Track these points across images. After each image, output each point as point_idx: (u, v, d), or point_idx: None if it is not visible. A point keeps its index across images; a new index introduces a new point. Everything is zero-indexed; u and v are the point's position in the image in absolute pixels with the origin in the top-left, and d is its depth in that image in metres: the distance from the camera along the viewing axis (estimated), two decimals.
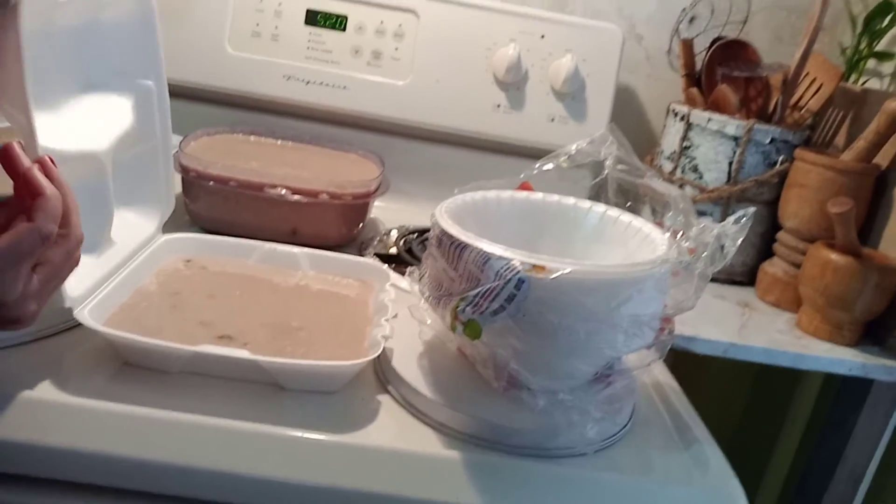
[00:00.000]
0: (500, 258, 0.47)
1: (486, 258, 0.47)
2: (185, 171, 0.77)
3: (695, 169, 0.89)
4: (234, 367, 0.52)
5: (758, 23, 1.02)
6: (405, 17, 0.94)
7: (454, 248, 0.51)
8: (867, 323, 0.77)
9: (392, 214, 0.89)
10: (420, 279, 0.56)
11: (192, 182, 0.76)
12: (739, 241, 0.50)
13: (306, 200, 0.76)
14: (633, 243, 0.59)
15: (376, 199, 0.82)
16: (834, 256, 0.75)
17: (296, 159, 0.86)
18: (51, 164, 0.44)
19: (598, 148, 0.62)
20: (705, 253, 0.49)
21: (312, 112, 0.96)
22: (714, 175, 0.87)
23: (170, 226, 0.69)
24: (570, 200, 0.63)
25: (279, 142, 0.91)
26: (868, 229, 0.81)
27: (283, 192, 0.75)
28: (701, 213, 0.88)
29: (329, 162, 0.88)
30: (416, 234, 0.86)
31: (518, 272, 0.46)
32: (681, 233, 0.52)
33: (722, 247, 0.50)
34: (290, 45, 0.94)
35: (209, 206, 0.78)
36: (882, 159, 0.80)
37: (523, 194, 0.63)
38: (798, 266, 0.81)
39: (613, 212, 0.61)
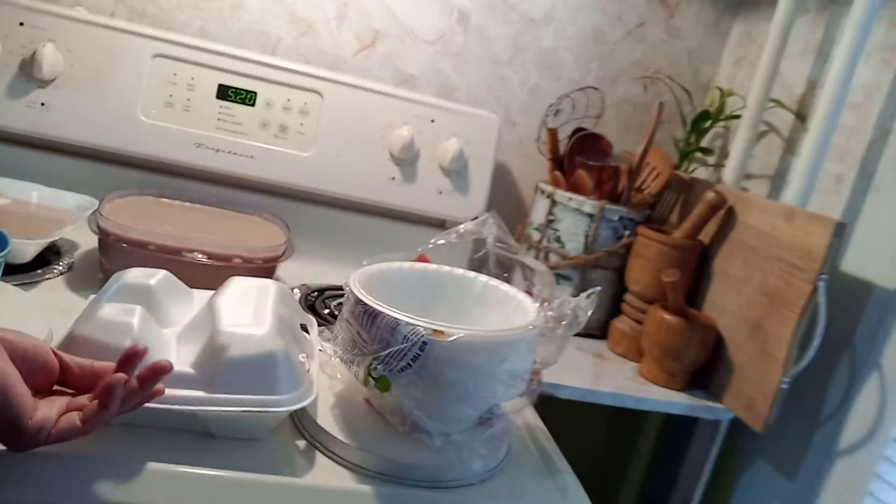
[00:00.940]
0: (408, 324, 0.58)
1: (396, 324, 0.58)
2: (103, 233, 0.82)
3: (558, 239, 1.04)
4: (171, 418, 0.59)
5: (610, 116, 1.22)
6: (310, 97, 1.05)
7: (367, 315, 0.61)
8: (693, 371, 0.95)
9: (293, 274, 0.98)
10: (334, 340, 0.66)
11: (111, 244, 0.82)
12: (590, 312, 0.64)
13: (220, 264, 0.84)
14: (510, 308, 0.72)
15: (282, 261, 0.91)
16: (667, 317, 0.92)
17: (205, 222, 0.94)
18: (159, 372, 0.51)
19: (481, 228, 0.75)
20: (565, 321, 0.63)
21: (221, 178, 1.03)
22: (574, 245, 1.03)
23: (84, 283, 0.76)
24: (459, 271, 0.76)
25: (188, 204, 0.98)
26: (694, 294, 1.00)
27: (199, 256, 0.83)
28: (563, 277, 1.04)
29: (236, 224, 0.96)
30: (316, 293, 0.95)
31: (422, 336, 0.57)
32: (546, 302, 0.66)
33: (577, 315, 0.63)
34: (202, 116, 1.02)
35: (126, 267, 0.83)
36: (705, 237, 0.99)
37: (421, 265, 0.75)
38: (641, 323, 0.98)
39: (494, 282, 0.74)
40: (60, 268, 0.86)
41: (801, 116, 1.04)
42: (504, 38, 1.18)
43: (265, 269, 0.88)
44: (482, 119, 1.10)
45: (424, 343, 0.57)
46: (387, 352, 0.58)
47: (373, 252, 0.73)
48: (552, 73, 1.20)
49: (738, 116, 1.10)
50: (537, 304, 0.67)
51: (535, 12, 1.18)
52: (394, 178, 1.08)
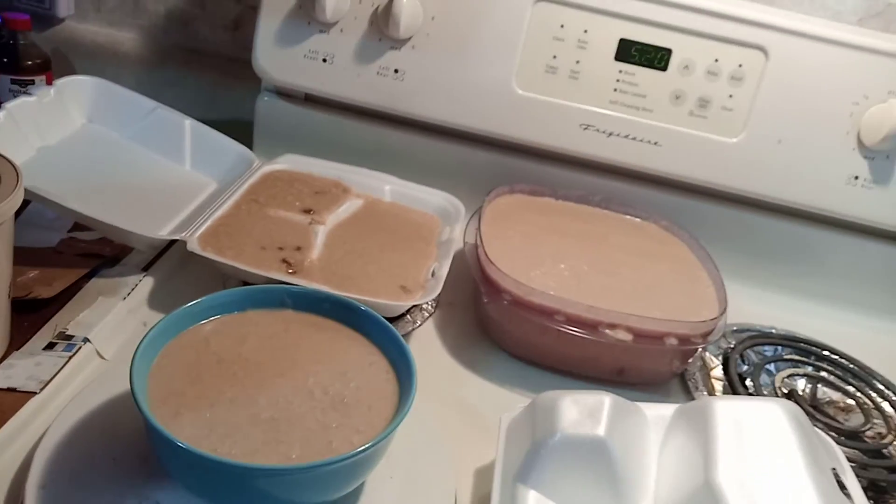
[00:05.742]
0: None
1: None
2: (492, 287, 0.62)
3: None
4: None
5: None
6: (748, 56, 0.72)
7: None
8: None
9: None
10: None
11: (506, 306, 0.62)
12: None
13: (647, 346, 0.60)
14: None
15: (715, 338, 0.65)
16: None
17: (599, 241, 0.70)
18: None
19: None
20: None
21: (611, 168, 0.78)
22: None
23: (460, 331, 0.62)
24: None
25: (573, 207, 0.75)
26: None
27: (622, 334, 0.60)
28: None
29: (638, 245, 0.71)
30: (749, 343, 0.68)
31: None
32: None
33: None
34: (592, 86, 0.74)
35: (518, 329, 0.63)
36: None
37: None
38: None
39: None
40: (429, 307, 0.68)
41: None
42: None
43: (693, 350, 0.64)
44: None
45: None
46: None
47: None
48: None
49: None
50: None
51: None
52: (856, 178, 0.74)
